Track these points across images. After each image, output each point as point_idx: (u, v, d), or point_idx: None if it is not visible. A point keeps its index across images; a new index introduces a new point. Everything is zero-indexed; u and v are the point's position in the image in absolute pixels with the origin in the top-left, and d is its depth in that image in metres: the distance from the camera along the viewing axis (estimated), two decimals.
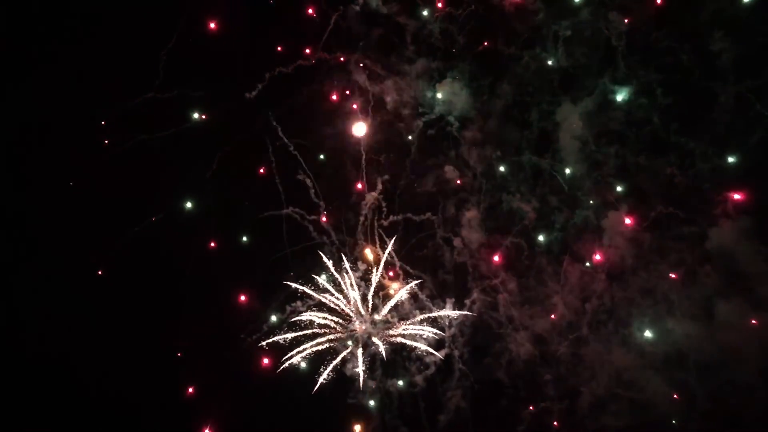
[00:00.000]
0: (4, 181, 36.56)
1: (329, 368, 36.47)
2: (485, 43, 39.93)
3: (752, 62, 36.52)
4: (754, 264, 35.86)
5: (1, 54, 34.99)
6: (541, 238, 39.72)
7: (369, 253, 39.30)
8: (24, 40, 35.86)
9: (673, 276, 37.50)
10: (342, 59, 38.76)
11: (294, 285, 37.23)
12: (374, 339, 37.02)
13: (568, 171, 39.40)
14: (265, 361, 37.94)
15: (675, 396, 36.39)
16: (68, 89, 35.41)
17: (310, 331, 37.13)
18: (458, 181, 39.78)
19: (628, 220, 37.98)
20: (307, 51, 38.19)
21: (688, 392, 36.09)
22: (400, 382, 38.17)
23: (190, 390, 38.16)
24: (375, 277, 37.26)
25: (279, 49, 37.93)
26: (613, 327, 38.22)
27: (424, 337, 37.24)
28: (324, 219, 39.21)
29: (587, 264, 38.77)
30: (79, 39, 35.17)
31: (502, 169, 39.89)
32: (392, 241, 38.33)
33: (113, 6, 34.84)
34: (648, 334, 37.36)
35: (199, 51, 35.90)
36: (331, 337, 37.33)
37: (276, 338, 37.14)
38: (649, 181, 38.65)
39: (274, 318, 38.85)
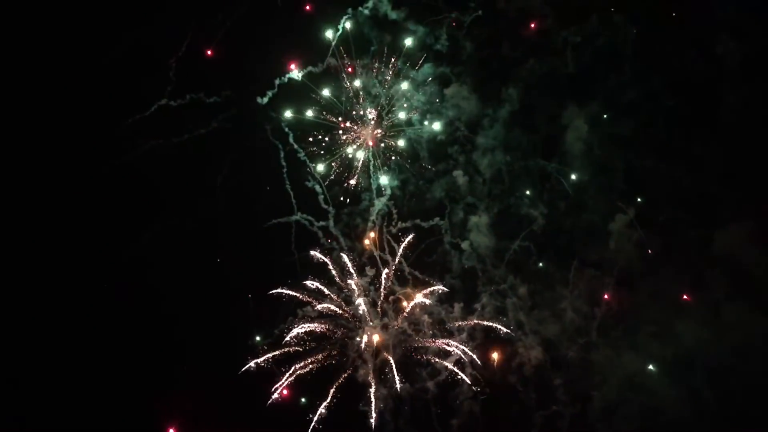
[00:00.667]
0: (16, 187, 36.80)
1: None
2: (492, 48, 40.03)
3: (759, 64, 36.76)
4: (761, 266, 35.95)
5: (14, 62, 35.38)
6: (549, 242, 39.63)
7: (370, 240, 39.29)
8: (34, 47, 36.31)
9: (685, 297, 37.62)
10: (351, 65, 38.92)
11: (287, 292, 37.59)
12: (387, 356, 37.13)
13: (574, 175, 39.42)
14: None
15: (685, 399, 36.23)
16: (81, 96, 35.73)
17: (313, 344, 37.47)
18: (467, 186, 39.88)
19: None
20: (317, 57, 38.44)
21: (698, 395, 35.94)
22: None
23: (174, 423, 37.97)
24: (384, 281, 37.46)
25: (289, 55, 38.04)
26: (623, 331, 38.15)
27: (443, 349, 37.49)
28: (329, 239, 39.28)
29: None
30: (92, 45, 35.45)
31: (521, 184, 40.20)
32: (407, 239, 38.56)
33: (123, 13, 34.94)
34: (652, 367, 37.43)
35: (211, 58, 35.98)
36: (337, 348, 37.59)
37: (280, 351, 37.40)
38: (656, 185, 38.74)
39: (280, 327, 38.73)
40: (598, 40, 38.98)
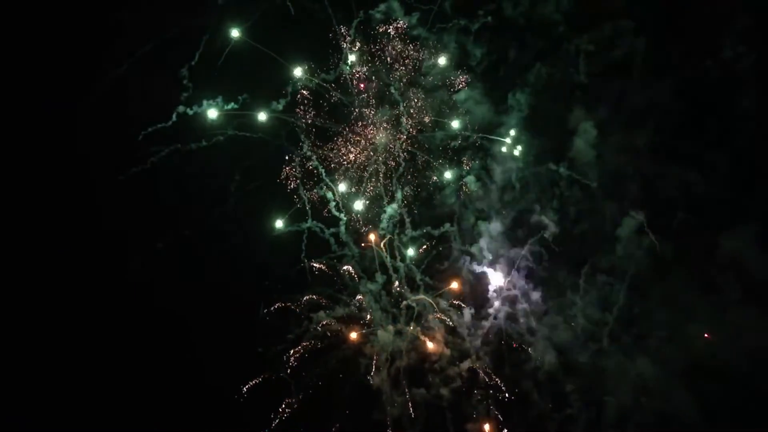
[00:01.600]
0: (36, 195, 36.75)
1: None
2: (501, 55, 40.12)
3: None
4: None
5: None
6: (559, 247, 39.61)
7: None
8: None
9: (706, 336, 37.51)
10: (363, 70, 38.98)
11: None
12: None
13: (584, 181, 39.39)
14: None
15: (698, 403, 36.13)
16: (97, 103, 35.77)
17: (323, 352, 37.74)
18: (478, 192, 39.90)
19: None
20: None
21: (711, 400, 35.85)
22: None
23: None
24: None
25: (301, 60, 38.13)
26: (634, 336, 38.09)
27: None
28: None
29: None
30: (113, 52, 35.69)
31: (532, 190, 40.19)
32: (421, 247, 38.73)
33: (142, 21, 35.01)
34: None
35: (226, 64, 36.07)
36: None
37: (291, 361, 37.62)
38: (666, 189, 38.66)
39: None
40: (609, 47, 38.97)
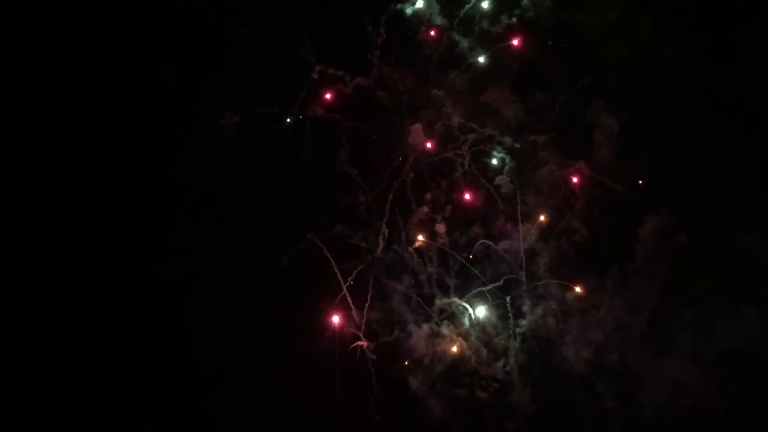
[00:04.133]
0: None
1: None
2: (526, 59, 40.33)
3: None
4: None
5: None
6: (587, 248, 39.67)
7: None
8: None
9: None
10: (393, 76, 39.26)
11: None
12: None
13: (610, 182, 39.54)
14: None
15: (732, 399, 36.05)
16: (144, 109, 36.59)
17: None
18: (507, 192, 40.11)
19: None
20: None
21: (745, 396, 35.80)
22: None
23: None
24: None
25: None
26: (665, 335, 38.07)
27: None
28: None
29: None
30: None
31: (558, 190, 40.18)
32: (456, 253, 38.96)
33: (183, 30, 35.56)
34: None
35: (256, 72, 36.47)
36: None
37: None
38: (689, 186, 38.73)
39: None
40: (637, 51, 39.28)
